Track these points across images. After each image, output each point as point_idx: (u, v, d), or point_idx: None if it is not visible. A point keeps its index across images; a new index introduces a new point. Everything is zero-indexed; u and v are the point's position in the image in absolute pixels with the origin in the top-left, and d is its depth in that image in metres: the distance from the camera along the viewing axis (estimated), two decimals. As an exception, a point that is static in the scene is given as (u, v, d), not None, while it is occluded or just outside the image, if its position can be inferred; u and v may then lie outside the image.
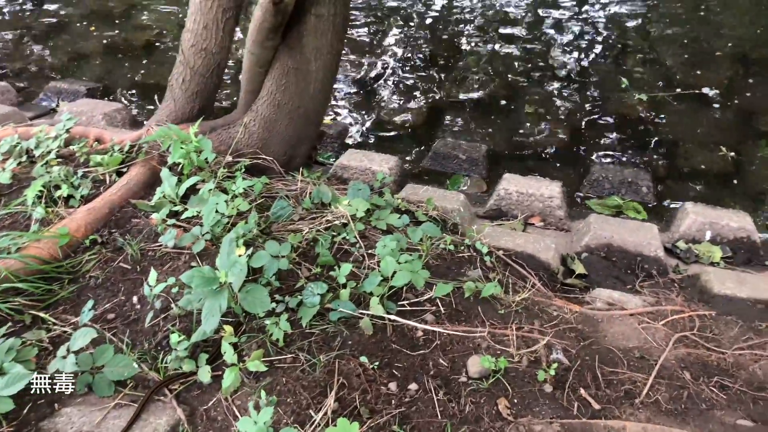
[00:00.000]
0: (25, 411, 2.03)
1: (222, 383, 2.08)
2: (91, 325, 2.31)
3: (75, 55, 5.84)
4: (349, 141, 4.55)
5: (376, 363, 2.21)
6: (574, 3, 6.64)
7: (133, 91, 5.25)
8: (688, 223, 3.17)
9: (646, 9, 6.44)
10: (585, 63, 5.50)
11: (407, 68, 5.53)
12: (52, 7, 6.85)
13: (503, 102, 4.93)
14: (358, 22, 6.34)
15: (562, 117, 4.71)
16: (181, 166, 3.01)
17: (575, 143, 4.42)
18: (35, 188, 2.90)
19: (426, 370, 2.21)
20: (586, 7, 6.54)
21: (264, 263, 2.45)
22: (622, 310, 2.58)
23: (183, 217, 2.80)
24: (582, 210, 3.64)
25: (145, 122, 4.00)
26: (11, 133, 3.39)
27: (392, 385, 2.14)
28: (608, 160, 4.24)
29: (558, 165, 4.23)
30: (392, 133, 4.63)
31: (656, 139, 4.42)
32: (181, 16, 6.42)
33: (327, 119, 4.66)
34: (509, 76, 5.28)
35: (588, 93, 5.03)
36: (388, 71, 5.49)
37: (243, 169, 3.09)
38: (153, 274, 2.39)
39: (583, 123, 4.64)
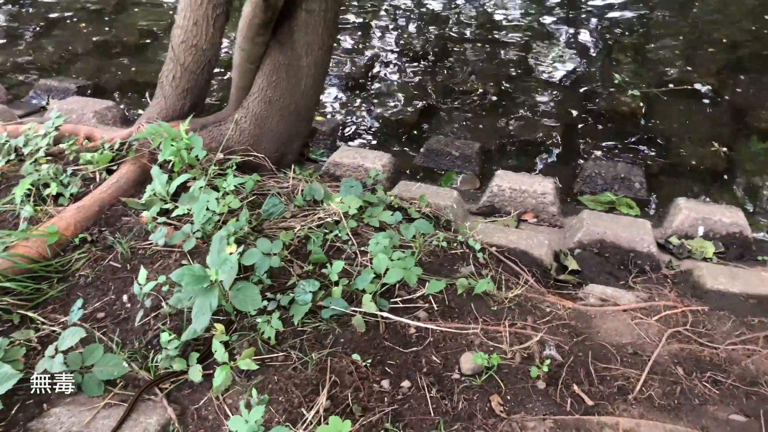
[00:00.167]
0: (13, 411, 2.01)
1: (213, 382, 2.06)
2: (80, 324, 2.29)
3: (65, 52, 5.79)
4: (342, 138, 4.53)
5: (369, 360, 2.19)
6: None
7: (124, 89, 5.21)
8: (680, 219, 3.17)
9: (639, 5, 6.44)
10: (578, 59, 5.50)
11: (400, 65, 5.51)
12: (43, 4, 6.79)
13: (496, 98, 4.92)
14: (349, 19, 6.32)
15: (555, 113, 4.71)
16: (171, 163, 2.99)
17: (568, 139, 4.42)
18: (24, 186, 2.87)
19: (419, 368, 2.20)
20: (579, 4, 6.54)
21: (255, 261, 2.43)
22: (615, 306, 2.58)
23: (174, 215, 2.78)
24: (575, 206, 3.64)
25: (136, 120, 3.97)
26: (0, 131, 3.36)
27: (385, 383, 2.13)
28: (601, 156, 4.24)
29: (551, 161, 4.22)
30: (385, 130, 4.62)
31: (649, 135, 4.43)
32: (171, 13, 6.38)
33: (319, 116, 4.64)
34: (502, 72, 5.27)
35: (581, 89, 5.02)
36: (381, 68, 5.48)
37: (234, 167, 3.07)
38: (143, 273, 2.36)
39: (576, 119, 4.64)
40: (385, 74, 5.37)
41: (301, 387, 2.07)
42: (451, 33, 6.01)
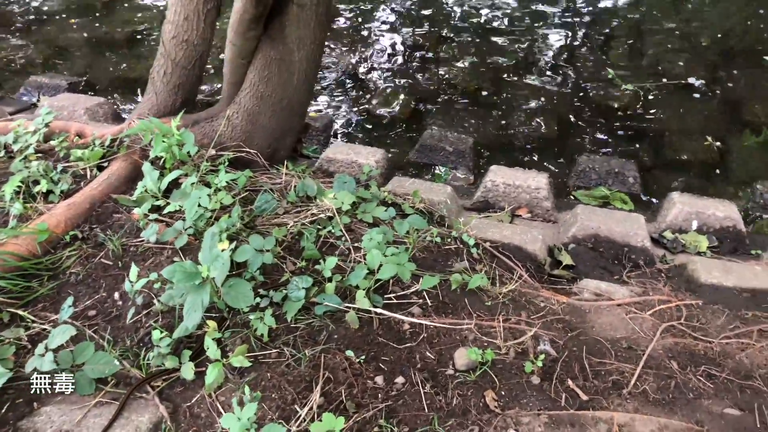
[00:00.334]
0: (3, 410, 1.99)
1: (205, 379, 2.04)
2: (71, 322, 2.26)
3: (56, 48, 5.74)
4: (335, 134, 4.51)
5: (363, 357, 2.18)
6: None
7: (116, 86, 5.17)
8: (674, 213, 3.17)
9: (632, 0, 6.43)
10: (571, 54, 5.49)
11: (393, 60, 5.49)
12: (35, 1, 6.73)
13: (490, 94, 4.91)
14: (342, 14, 6.29)
15: (549, 108, 4.70)
16: (163, 160, 2.96)
17: (562, 134, 4.41)
18: (13, 184, 2.84)
19: (413, 363, 2.19)
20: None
21: (248, 257, 2.41)
22: (610, 301, 2.57)
23: (165, 211, 2.76)
24: (569, 201, 3.63)
25: (127, 116, 3.94)
26: (-11, 128, 3.33)
27: (379, 379, 2.12)
28: (595, 150, 4.23)
29: (545, 156, 4.22)
30: (379, 126, 4.60)
31: (642, 129, 4.42)
32: (162, 8, 6.33)
33: (312, 112, 4.62)
34: (496, 67, 5.26)
35: (575, 84, 5.02)
36: (374, 63, 5.45)
37: (226, 163, 3.05)
38: (134, 270, 2.34)
39: (570, 114, 4.63)
40: (379, 70, 5.35)
41: (294, 384, 2.06)
42: (445, 28, 5.99)
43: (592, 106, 4.71)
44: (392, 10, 6.42)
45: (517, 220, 3.30)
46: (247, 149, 3.20)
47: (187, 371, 2.10)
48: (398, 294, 2.47)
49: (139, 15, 6.33)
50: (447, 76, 5.16)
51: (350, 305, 2.34)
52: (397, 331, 2.32)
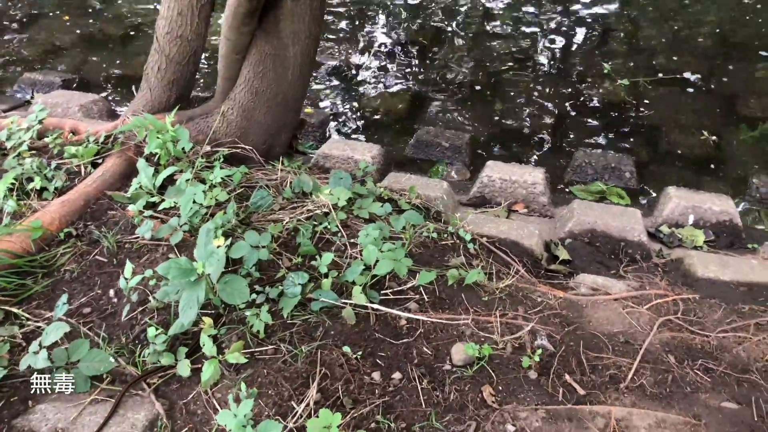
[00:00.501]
0: (-3, 409, 1.98)
1: (201, 376, 2.03)
2: (65, 319, 2.25)
3: (49, 45, 5.71)
4: (331, 130, 4.50)
5: (359, 353, 2.17)
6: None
7: (110, 82, 5.15)
8: (671, 208, 3.17)
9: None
10: (567, 49, 5.48)
11: (389, 56, 5.47)
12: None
13: (486, 89, 4.90)
14: (337, 9, 6.26)
15: (545, 103, 4.69)
16: (157, 156, 2.95)
17: (558, 130, 4.41)
18: (7, 181, 2.82)
19: (410, 359, 2.18)
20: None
21: (244, 254, 2.40)
22: (606, 295, 2.57)
23: (160, 208, 2.74)
24: (565, 196, 3.63)
25: (122, 113, 3.92)
26: (-18, 125, 3.30)
27: (376, 375, 2.11)
28: (591, 145, 4.23)
29: (541, 151, 4.21)
30: (375, 122, 4.59)
31: (639, 124, 4.42)
32: (156, 4, 6.29)
33: (308, 108, 4.60)
34: (492, 63, 5.24)
35: (570, 79, 5.01)
36: (370, 59, 5.43)
37: (221, 159, 3.03)
38: (129, 267, 2.33)
39: (566, 109, 4.62)
40: (375, 65, 5.34)
41: (291, 380, 2.05)
42: (441, 23, 5.97)
43: (588, 100, 4.70)
44: (388, 6, 6.40)
45: (513, 216, 3.29)
46: (243, 145, 3.19)
47: (183, 368, 2.09)
48: (395, 290, 2.46)
49: (134, 11, 6.30)
50: (443, 71, 5.15)
51: (347, 301, 2.33)
52: (394, 326, 2.31)
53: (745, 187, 3.77)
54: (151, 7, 6.36)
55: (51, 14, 6.30)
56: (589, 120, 4.50)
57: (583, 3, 6.26)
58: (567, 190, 3.75)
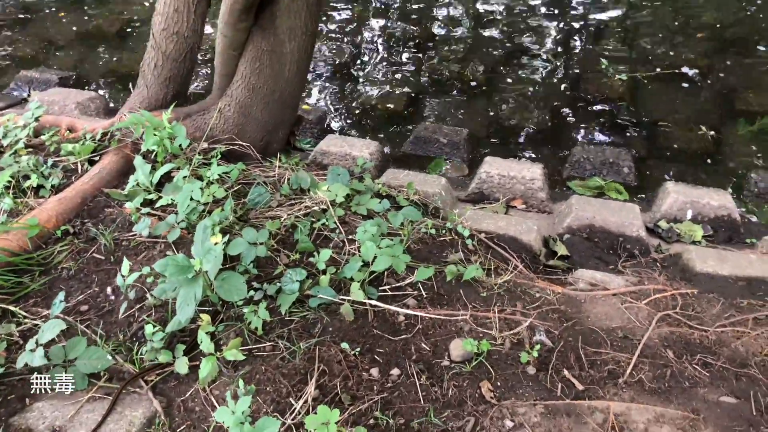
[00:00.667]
0: (-6, 407, 1.97)
1: (199, 373, 2.03)
2: (62, 317, 2.24)
3: (46, 43, 5.69)
4: (329, 126, 4.49)
5: (358, 349, 2.17)
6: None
7: (107, 80, 5.13)
8: (669, 203, 3.17)
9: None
10: (564, 45, 5.47)
11: (387, 52, 5.46)
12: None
13: (484, 85, 4.89)
14: (335, 4, 6.24)
15: (543, 99, 4.68)
16: (154, 153, 2.94)
17: (556, 125, 4.40)
18: (3, 178, 2.82)
19: (408, 355, 2.18)
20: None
21: (241, 250, 2.39)
22: (605, 291, 2.57)
23: (157, 205, 2.74)
24: (564, 192, 3.62)
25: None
26: (-22, 123, 3.29)
27: (374, 371, 2.11)
28: (589, 141, 4.22)
29: (539, 147, 4.20)
30: (373, 118, 4.58)
31: (637, 119, 4.41)
32: (153, 1, 6.27)
33: (306, 105, 4.59)
34: (490, 59, 5.23)
35: (568, 74, 5.00)
36: (368, 56, 5.42)
37: (219, 156, 3.02)
38: (126, 264, 2.32)
39: (564, 104, 4.61)
40: (373, 62, 5.32)
41: (289, 377, 2.04)
42: (438, 20, 5.96)
43: (586, 96, 4.69)
44: (385, 2, 6.38)
45: (512, 211, 3.29)
46: (240, 142, 3.18)
47: (181, 365, 2.09)
48: (393, 286, 2.45)
49: (130, 8, 6.27)
50: (441, 68, 5.13)
51: (345, 297, 2.33)
52: (392, 323, 2.30)
53: (744, 182, 3.76)
54: (148, 3, 6.34)
55: (47, 11, 6.28)
56: (587, 115, 4.49)
57: (581, -2, 6.25)
58: (565, 185, 3.74)
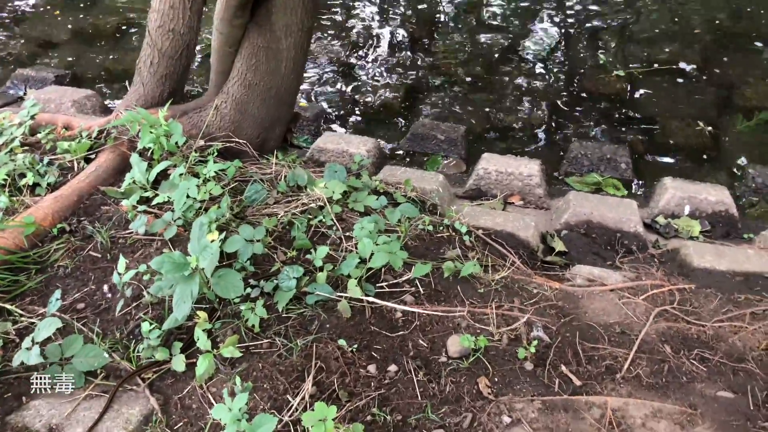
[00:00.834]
0: (-10, 405, 1.96)
1: (196, 371, 2.02)
2: (58, 315, 2.23)
3: (41, 41, 5.67)
4: (327, 124, 4.48)
5: (355, 346, 2.17)
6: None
7: (104, 78, 5.12)
8: (666, 198, 3.16)
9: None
10: (562, 41, 5.46)
11: (384, 49, 5.45)
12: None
13: (481, 81, 4.88)
14: (332, 1, 6.23)
15: (541, 95, 4.68)
16: (151, 151, 2.93)
17: (553, 121, 4.39)
18: (-1, 177, 2.81)
19: (405, 352, 2.18)
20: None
21: (238, 248, 2.39)
22: (603, 286, 2.57)
23: (154, 203, 2.73)
24: (561, 188, 3.61)
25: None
26: (-27, 122, 3.28)
27: (371, 368, 2.11)
28: (587, 137, 4.22)
29: (537, 143, 4.20)
30: (370, 115, 4.57)
31: (634, 115, 4.41)
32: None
33: (303, 102, 4.58)
34: (487, 55, 5.22)
35: (565, 70, 4.99)
36: (365, 52, 5.41)
37: (215, 153, 3.02)
38: (122, 262, 2.31)
39: (561, 101, 4.61)
40: (370, 59, 5.31)
41: (286, 374, 2.04)
42: (436, 16, 5.95)
43: (583, 92, 4.69)
44: (382, -2, 6.37)
45: (509, 208, 3.28)
46: (237, 139, 3.17)
47: (178, 363, 2.08)
48: (390, 282, 2.45)
49: (126, 6, 6.25)
50: (438, 64, 5.13)
51: (342, 294, 2.32)
52: (390, 319, 2.30)
53: (741, 177, 3.76)
54: (144, 0, 6.32)
55: (42, 9, 6.26)
56: (585, 111, 4.48)
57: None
58: (563, 181, 3.74)
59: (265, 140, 3.36)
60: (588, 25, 5.70)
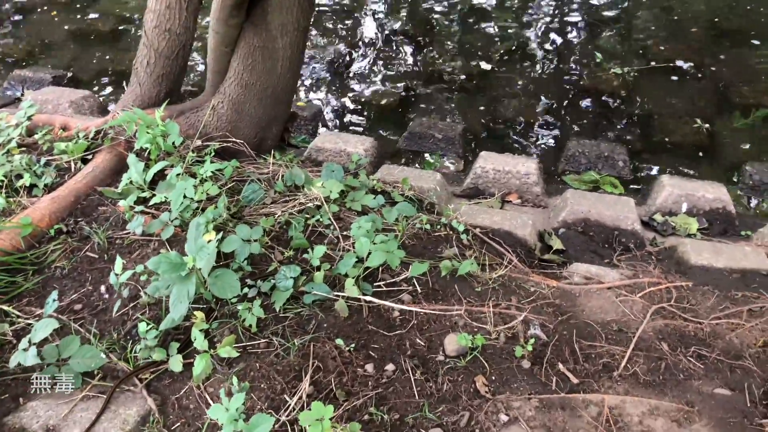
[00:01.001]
0: (-12, 407, 1.96)
1: (193, 371, 2.02)
2: (55, 316, 2.23)
3: (39, 42, 5.66)
4: (324, 123, 4.48)
5: (352, 345, 2.17)
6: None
7: (101, 78, 5.11)
8: (664, 196, 3.16)
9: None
10: (559, 39, 5.46)
11: (381, 48, 5.44)
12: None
13: (478, 80, 4.88)
14: (328, 1, 6.22)
15: (538, 93, 4.67)
16: (148, 151, 2.93)
17: (551, 119, 4.39)
18: (-5, 178, 2.80)
19: (403, 350, 2.18)
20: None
21: (235, 248, 2.39)
22: (600, 284, 2.57)
23: (151, 203, 2.73)
24: (559, 186, 3.61)
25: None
26: (-30, 123, 3.27)
27: (369, 367, 2.11)
28: (584, 135, 4.22)
29: (534, 141, 4.20)
30: (367, 114, 4.57)
31: (632, 113, 4.41)
32: None
33: (300, 102, 4.58)
34: (484, 54, 5.22)
35: (562, 69, 4.99)
36: (362, 51, 5.41)
37: (212, 153, 3.01)
38: (119, 262, 2.31)
39: (559, 99, 4.61)
40: (367, 58, 5.31)
41: (283, 373, 2.04)
42: (433, 15, 5.94)
43: (580, 90, 4.69)
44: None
45: (507, 206, 3.28)
46: (234, 139, 3.17)
47: (175, 363, 2.08)
48: (388, 281, 2.45)
49: (123, 6, 6.24)
50: (435, 63, 5.12)
51: (339, 294, 2.32)
52: (387, 318, 2.30)
53: (739, 174, 3.76)
54: (141, 1, 6.31)
55: (39, 10, 6.25)
56: (582, 109, 4.48)
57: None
58: (560, 179, 3.74)
59: (263, 140, 3.36)
60: (585, 22, 5.70)
